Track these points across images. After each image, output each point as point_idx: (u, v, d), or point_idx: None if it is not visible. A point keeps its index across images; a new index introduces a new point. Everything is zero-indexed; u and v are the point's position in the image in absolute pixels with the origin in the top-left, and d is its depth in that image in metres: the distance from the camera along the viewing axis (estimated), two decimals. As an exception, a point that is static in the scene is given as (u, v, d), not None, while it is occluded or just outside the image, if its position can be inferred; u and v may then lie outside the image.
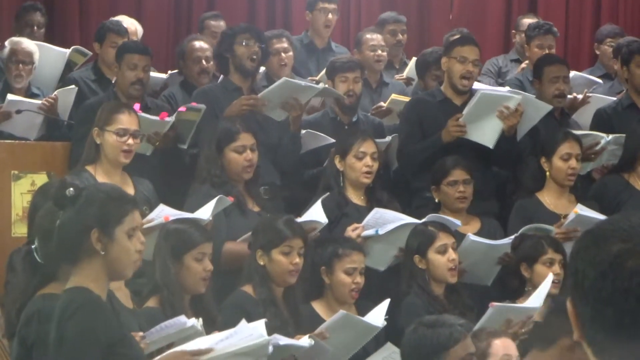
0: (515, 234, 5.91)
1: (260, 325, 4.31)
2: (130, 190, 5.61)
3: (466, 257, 5.81)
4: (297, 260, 5.14)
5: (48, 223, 3.66)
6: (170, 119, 6.26)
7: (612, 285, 1.70)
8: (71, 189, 3.50)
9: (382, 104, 7.37)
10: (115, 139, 5.61)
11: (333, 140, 6.48)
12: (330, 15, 8.18)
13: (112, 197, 3.57)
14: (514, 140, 6.50)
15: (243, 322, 4.24)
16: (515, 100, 6.41)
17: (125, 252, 3.55)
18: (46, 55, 7.39)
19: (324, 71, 7.25)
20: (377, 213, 5.83)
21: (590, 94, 7.34)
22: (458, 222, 5.93)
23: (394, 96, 7.33)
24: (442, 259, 5.61)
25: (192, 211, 5.39)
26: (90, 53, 7.70)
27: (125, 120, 5.65)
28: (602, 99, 7.33)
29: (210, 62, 7.33)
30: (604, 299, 1.71)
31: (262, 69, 7.44)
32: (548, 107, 6.61)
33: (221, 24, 8.15)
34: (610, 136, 6.65)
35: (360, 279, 5.37)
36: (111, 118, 5.64)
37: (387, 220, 5.80)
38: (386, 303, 5.00)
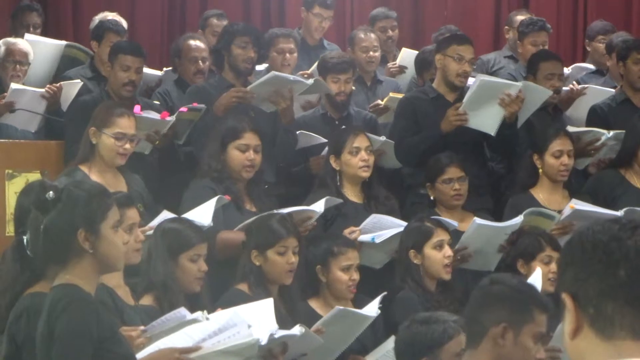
0: (520, 216, 5.91)
1: (268, 304, 4.37)
2: (122, 187, 5.63)
3: (472, 242, 5.86)
4: (293, 259, 5.17)
5: (38, 224, 3.65)
6: (171, 119, 6.27)
7: (626, 244, 1.74)
8: (51, 192, 3.49)
9: (379, 101, 7.38)
10: (113, 143, 5.62)
11: (325, 140, 6.51)
12: (324, 23, 8.20)
13: (92, 194, 3.57)
14: (514, 127, 6.53)
15: (234, 313, 4.23)
16: (516, 87, 6.44)
17: (114, 247, 3.57)
18: (41, 51, 7.37)
19: (315, 65, 7.27)
20: (375, 218, 5.85)
21: (587, 85, 7.36)
22: (455, 223, 5.95)
23: (391, 94, 7.34)
24: (438, 255, 5.62)
25: (190, 203, 5.47)
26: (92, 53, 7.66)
27: (124, 124, 5.65)
28: (598, 91, 7.34)
29: (207, 63, 7.33)
30: (616, 262, 1.73)
31: (265, 66, 7.44)
32: (548, 92, 6.63)
33: (224, 23, 8.13)
34: (611, 132, 6.67)
35: (356, 275, 5.41)
36: (110, 120, 5.63)
37: (384, 225, 5.82)
38: (381, 295, 5.05)
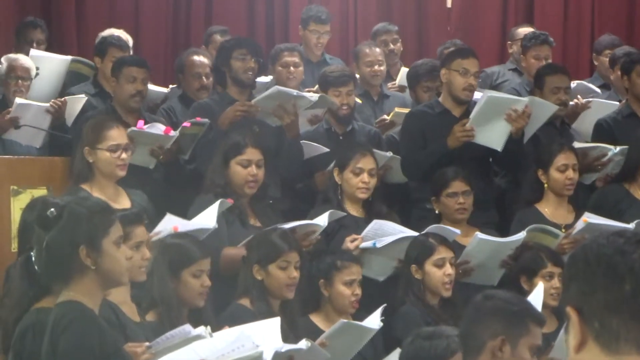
0: (522, 232, 5.90)
1: (274, 323, 4.39)
2: (126, 202, 5.64)
3: (474, 256, 5.87)
4: (295, 274, 5.18)
5: (41, 241, 3.65)
6: (175, 134, 6.28)
7: (631, 258, 1.73)
8: (52, 209, 3.50)
9: (385, 117, 7.38)
10: (109, 156, 5.62)
11: (327, 150, 6.52)
12: (322, 39, 8.21)
13: (94, 211, 3.57)
14: (520, 142, 6.52)
15: (242, 333, 4.23)
16: (523, 102, 6.45)
17: (116, 262, 3.57)
18: (47, 67, 7.38)
19: None
20: (376, 224, 5.84)
21: (591, 99, 7.36)
22: (457, 231, 5.94)
23: (397, 109, 7.34)
24: (439, 273, 5.63)
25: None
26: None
27: (116, 136, 5.66)
28: (603, 104, 7.34)
29: (210, 78, 7.33)
30: (621, 276, 1.72)
31: (270, 78, 7.44)
32: (554, 107, 6.62)
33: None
34: (618, 148, 6.66)
35: (359, 290, 5.43)
36: (101, 136, 5.65)
37: (386, 232, 5.81)
38: (382, 307, 5.04)
